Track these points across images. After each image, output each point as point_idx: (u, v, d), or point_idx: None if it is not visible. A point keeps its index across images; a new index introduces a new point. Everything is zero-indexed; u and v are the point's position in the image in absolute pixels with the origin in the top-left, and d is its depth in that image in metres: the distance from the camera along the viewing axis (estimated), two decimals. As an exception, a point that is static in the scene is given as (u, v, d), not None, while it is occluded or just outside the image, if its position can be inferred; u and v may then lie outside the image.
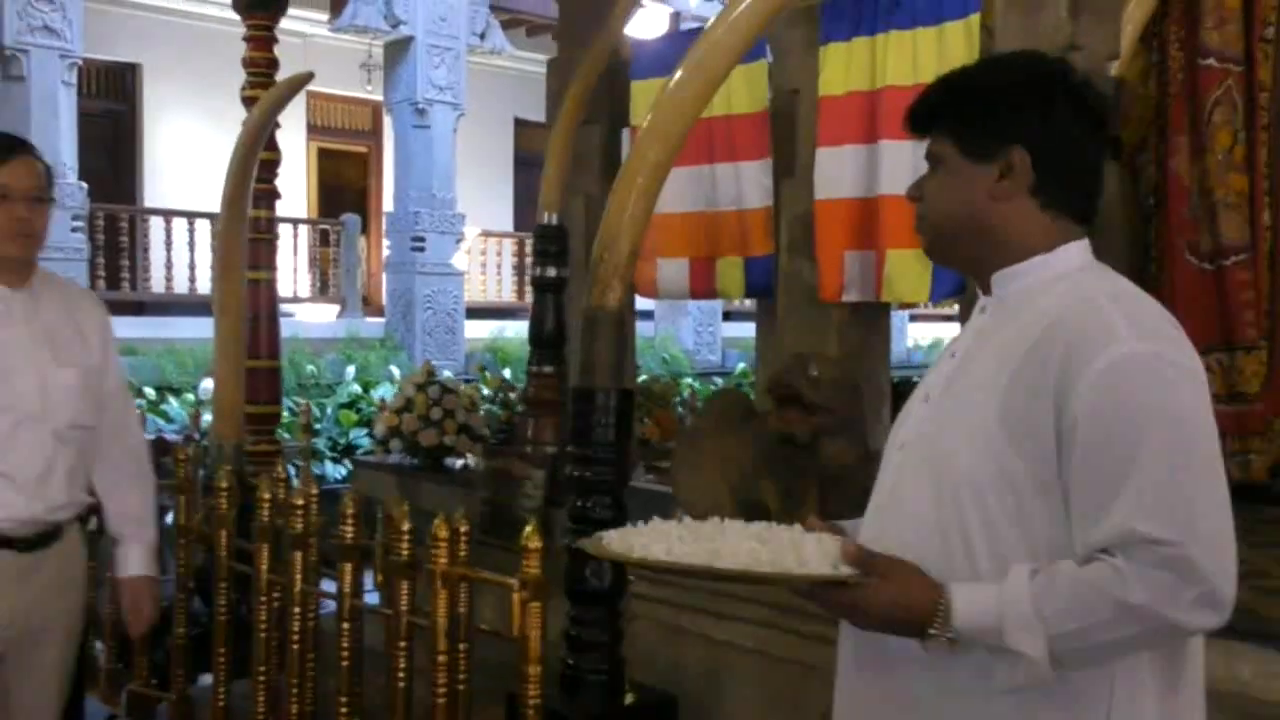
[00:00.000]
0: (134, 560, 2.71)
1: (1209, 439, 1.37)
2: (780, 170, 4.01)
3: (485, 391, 5.63)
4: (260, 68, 4.19)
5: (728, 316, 15.21)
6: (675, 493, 3.09)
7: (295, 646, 2.74)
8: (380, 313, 13.26)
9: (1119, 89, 3.60)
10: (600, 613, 2.68)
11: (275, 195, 4.22)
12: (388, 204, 13.68)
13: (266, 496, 2.84)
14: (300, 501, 2.74)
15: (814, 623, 2.70)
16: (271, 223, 4.18)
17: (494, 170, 15.93)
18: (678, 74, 2.55)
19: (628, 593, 2.73)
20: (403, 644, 2.48)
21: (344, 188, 15.19)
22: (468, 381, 6.25)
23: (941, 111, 1.54)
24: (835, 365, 2.79)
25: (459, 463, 4.81)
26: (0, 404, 2.41)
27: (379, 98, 13.52)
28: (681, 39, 4.45)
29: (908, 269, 3.55)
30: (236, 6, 4.30)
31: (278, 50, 4.35)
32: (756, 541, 1.43)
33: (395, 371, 11.06)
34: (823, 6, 3.71)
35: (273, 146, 4.16)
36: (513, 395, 5.28)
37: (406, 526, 2.44)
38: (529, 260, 15.10)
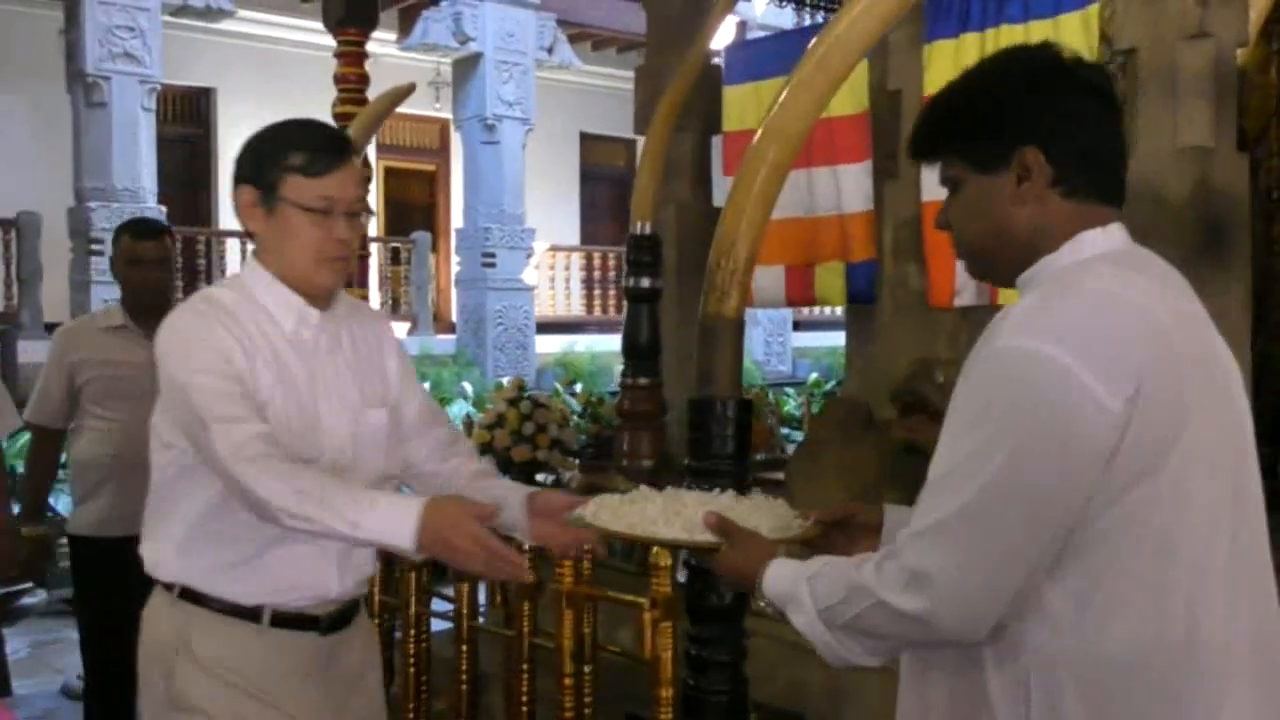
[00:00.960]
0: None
1: (1035, 461, 1.27)
2: (883, 173, 3.90)
3: (574, 405, 5.56)
4: (352, 83, 4.16)
5: (797, 326, 15.07)
6: (793, 506, 2.99)
7: (411, 669, 2.68)
8: (450, 329, 13.31)
9: (1240, 79, 3.45)
10: (722, 630, 2.58)
11: (368, 212, 4.19)
12: (456, 220, 13.74)
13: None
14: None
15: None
16: (364, 240, 4.15)
17: (561, 185, 15.95)
18: (799, 72, 2.46)
19: (749, 610, 2.63)
20: (525, 666, 2.40)
21: (411, 206, 15.29)
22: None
23: (943, 134, 1.49)
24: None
25: (550, 479, 4.75)
26: (307, 453, 1.91)
27: (447, 115, 13.60)
28: (779, 42, 4.37)
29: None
30: (327, 23, 4.29)
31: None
32: (674, 509, 1.66)
33: (468, 388, 11.06)
34: (927, 4, 3.60)
35: (364, 164, 4.13)
36: (601, 409, 5.21)
37: (528, 546, 2.37)
38: (596, 274, 15.16)
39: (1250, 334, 3.05)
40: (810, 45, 2.48)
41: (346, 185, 1.93)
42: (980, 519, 1.29)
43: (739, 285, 2.61)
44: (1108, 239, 1.42)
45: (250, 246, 2.04)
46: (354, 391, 2.02)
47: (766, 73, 4.23)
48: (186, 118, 13.48)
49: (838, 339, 14.59)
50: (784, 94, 2.50)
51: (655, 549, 2.13)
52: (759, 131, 2.52)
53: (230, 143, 13.46)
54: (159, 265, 3.57)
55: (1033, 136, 1.40)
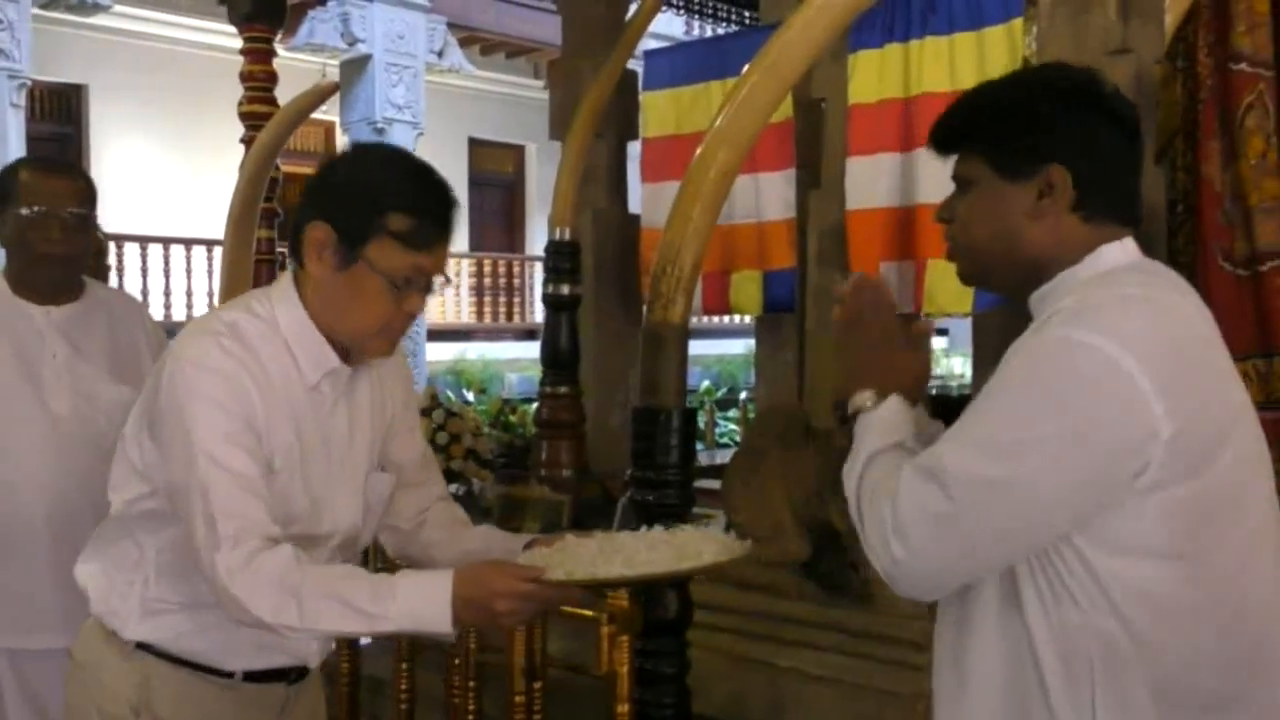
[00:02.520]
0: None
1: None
2: (806, 181, 3.91)
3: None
4: (260, 82, 4.00)
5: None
6: (732, 516, 2.96)
7: (345, 690, 2.58)
8: (338, 337, 13.00)
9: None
10: (670, 643, 2.54)
11: (276, 214, 4.05)
12: (344, 226, 13.44)
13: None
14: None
15: (893, 647, 2.59)
16: (273, 243, 4.01)
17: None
18: (747, 78, 2.44)
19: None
20: (472, 684, 2.32)
21: (293, 211, 14.89)
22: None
23: (971, 131, 1.49)
24: (906, 379, 2.69)
25: (462, 489, 4.65)
26: (316, 529, 1.75)
27: (332, 118, 13.30)
28: (697, 49, 4.37)
29: (949, 280, 3.45)
30: (233, 19, 4.12)
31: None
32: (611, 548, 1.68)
33: (358, 396, 10.81)
34: (852, 13, 3.63)
35: (275, 169, 3.99)
36: (513, 417, 5.13)
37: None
38: (487, 281, 15.00)
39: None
40: (759, 52, 2.46)
41: (442, 258, 1.70)
42: (996, 491, 1.30)
43: (685, 292, 2.58)
44: (1125, 252, 1.43)
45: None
46: (364, 455, 1.82)
47: (687, 79, 4.22)
48: (57, 115, 12.91)
49: (727, 346, 14.74)
50: (733, 99, 2.48)
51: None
52: (706, 137, 2.49)
53: (103, 141, 12.97)
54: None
55: (1063, 155, 1.40)
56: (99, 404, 2.49)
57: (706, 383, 13.34)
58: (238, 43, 4.20)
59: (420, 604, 1.55)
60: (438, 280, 1.72)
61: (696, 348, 14.98)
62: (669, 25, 13.84)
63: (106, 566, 1.79)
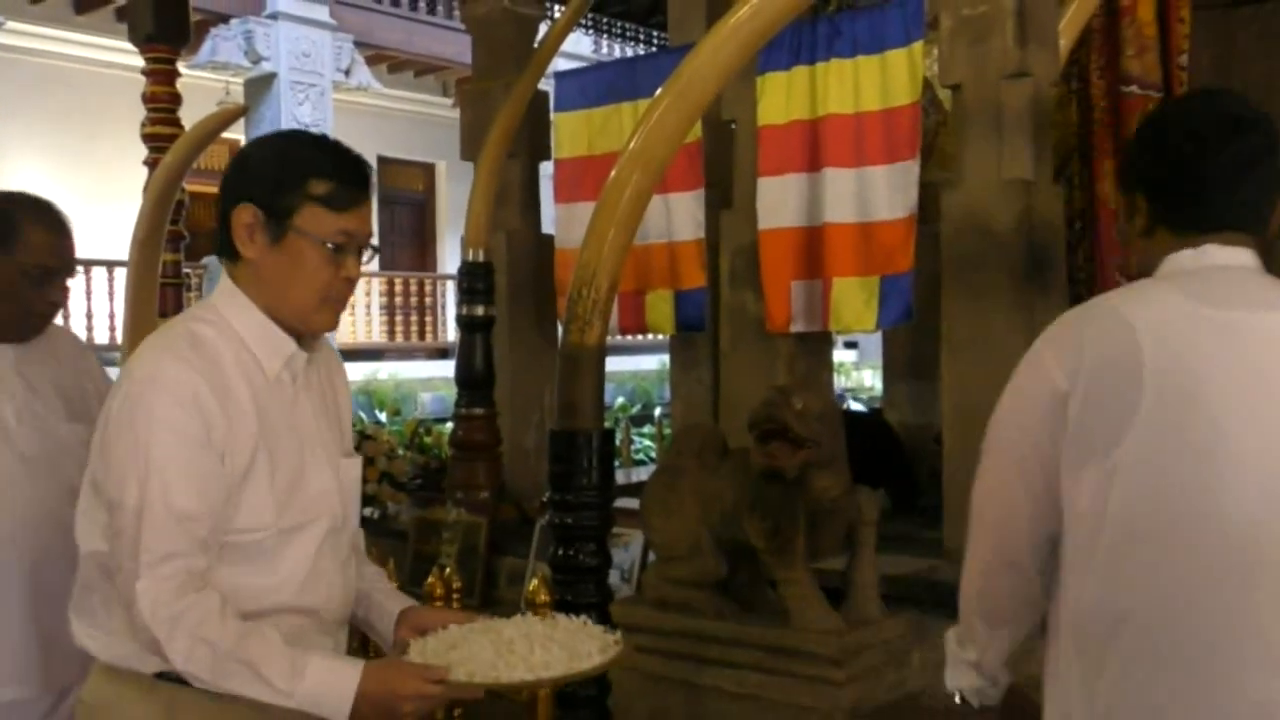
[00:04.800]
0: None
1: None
2: (717, 201, 3.96)
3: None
4: (163, 103, 3.93)
5: (601, 351, 15.11)
6: (649, 537, 2.98)
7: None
8: (246, 358, 12.77)
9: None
10: (589, 667, 2.54)
11: (182, 237, 3.97)
12: (250, 246, 13.22)
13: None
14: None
15: (810, 664, 2.62)
16: (179, 266, 3.93)
17: (358, 209, 15.57)
18: (661, 100, 2.46)
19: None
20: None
21: (199, 232, 14.59)
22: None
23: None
24: (819, 397, 2.73)
25: (376, 513, 4.59)
26: (299, 515, 1.74)
27: (237, 136, 13.07)
28: (608, 70, 4.38)
29: (853, 297, 3.54)
30: (134, 39, 4.04)
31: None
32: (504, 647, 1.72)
33: (268, 419, 10.62)
34: (759, 36, 3.68)
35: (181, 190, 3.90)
36: (429, 439, 5.09)
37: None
38: (398, 300, 14.85)
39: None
40: (670, 76, 2.49)
41: (366, 219, 1.75)
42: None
43: (601, 314, 2.59)
44: (1196, 258, 1.58)
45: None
46: (333, 442, 1.84)
47: (598, 100, 4.24)
48: (-52, 134, 12.49)
49: (641, 362, 14.77)
50: (644, 122, 2.50)
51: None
52: (620, 160, 2.51)
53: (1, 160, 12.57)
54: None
55: (1139, 185, 1.66)
56: (62, 444, 2.37)
57: (621, 399, 13.36)
58: (140, 61, 4.12)
59: (324, 690, 1.60)
60: (366, 251, 1.78)
61: (611, 364, 14.95)
62: (577, 44, 13.90)
63: (99, 619, 1.72)
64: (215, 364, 1.67)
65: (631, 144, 2.49)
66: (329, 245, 1.70)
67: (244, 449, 1.67)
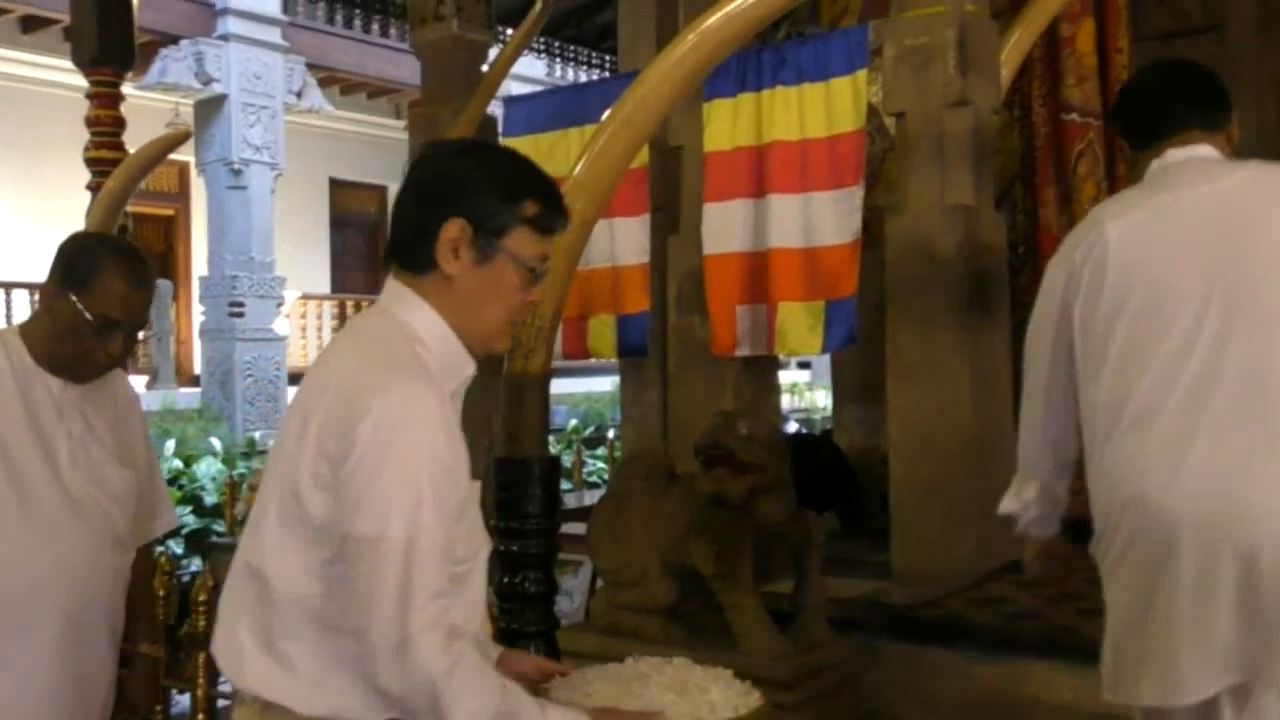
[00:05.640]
0: None
1: None
2: (664, 226, 3.98)
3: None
4: (107, 127, 3.88)
5: (554, 373, 15.05)
6: (597, 563, 2.97)
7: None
8: (194, 383, 12.62)
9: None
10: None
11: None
12: (200, 268, 13.08)
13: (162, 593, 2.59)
14: (203, 597, 2.50)
15: (762, 689, 2.61)
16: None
17: (311, 232, 15.46)
18: (605, 128, 2.48)
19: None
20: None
21: (147, 253, 14.42)
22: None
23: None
24: (764, 422, 2.74)
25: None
26: (476, 541, 1.67)
27: (186, 157, 12.96)
28: (556, 96, 4.40)
29: (798, 321, 3.57)
30: (78, 61, 4.00)
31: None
32: (673, 693, 1.73)
33: (216, 444, 10.49)
34: (706, 63, 3.72)
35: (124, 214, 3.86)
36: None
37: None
38: (350, 323, 14.69)
39: (1013, 379, 3.26)
40: (615, 103, 2.51)
41: (558, 246, 1.77)
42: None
43: (545, 341, 2.60)
44: (1161, 161, 2.05)
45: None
46: None
47: (547, 125, 4.26)
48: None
49: (593, 384, 14.75)
50: (590, 149, 2.52)
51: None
52: (564, 187, 2.51)
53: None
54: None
55: (1120, 132, 2.32)
56: (109, 488, 2.28)
57: (574, 421, 13.30)
58: (77, 80, 4.06)
59: None
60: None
61: (563, 386, 14.98)
62: (531, 68, 13.93)
63: (304, 668, 1.54)
64: (442, 399, 1.57)
65: (576, 171, 2.50)
66: (529, 268, 1.63)
67: (465, 475, 1.59)
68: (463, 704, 1.45)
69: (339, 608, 1.50)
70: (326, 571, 1.51)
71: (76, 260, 2.23)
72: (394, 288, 1.65)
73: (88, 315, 2.18)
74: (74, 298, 2.18)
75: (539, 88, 10.70)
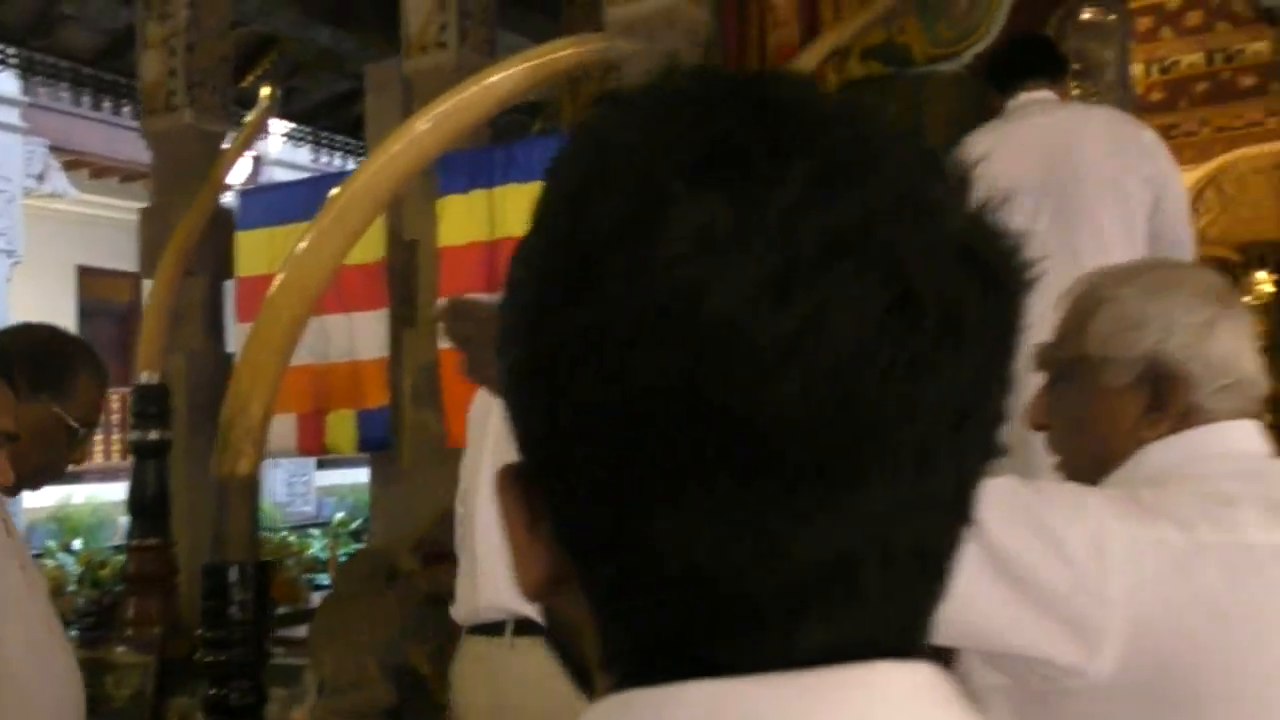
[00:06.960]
0: None
1: None
2: (401, 320, 3.97)
3: (73, 568, 5.05)
4: None
5: (320, 464, 14.66)
6: (315, 669, 2.89)
7: None
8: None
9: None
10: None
11: None
12: (-75, 362, 12.16)
13: None
14: None
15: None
16: None
17: (56, 322, 14.52)
18: (317, 225, 2.46)
19: None
20: None
21: None
22: (36, 557, 5.56)
23: None
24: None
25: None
26: None
27: (-89, 246, 12.10)
28: (293, 189, 4.36)
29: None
30: None
31: None
32: None
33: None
34: (438, 161, 3.76)
35: None
36: (104, 572, 4.77)
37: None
38: (108, 419, 13.94)
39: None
40: (328, 199, 2.50)
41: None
42: None
43: (254, 443, 2.52)
44: (1014, 101, 2.87)
45: None
46: None
47: (282, 218, 4.19)
48: None
49: (361, 475, 14.40)
50: (301, 247, 2.49)
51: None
52: (274, 285, 2.48)
53: None
54: None
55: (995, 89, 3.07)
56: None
57: (341, 514, 12.93)
58: None
59: None
60: None
61: (330, 478, 14.58)
62: (294, 155, 13.69)
63: None
64: None
65: (286, 270, 2.47)
66: None
67: None
68: None
69: None
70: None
71: (46, 363, 2.06)
72: None
73: (70, 421, 2.01)
74: (53, 405, 2.00)
75: (305, 174, 10.53)
